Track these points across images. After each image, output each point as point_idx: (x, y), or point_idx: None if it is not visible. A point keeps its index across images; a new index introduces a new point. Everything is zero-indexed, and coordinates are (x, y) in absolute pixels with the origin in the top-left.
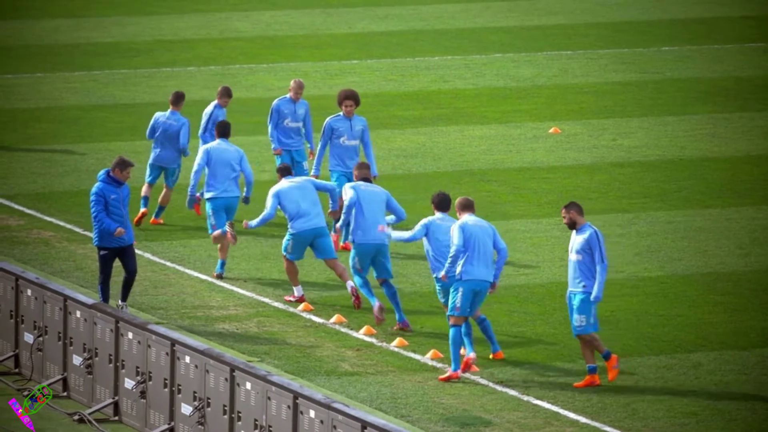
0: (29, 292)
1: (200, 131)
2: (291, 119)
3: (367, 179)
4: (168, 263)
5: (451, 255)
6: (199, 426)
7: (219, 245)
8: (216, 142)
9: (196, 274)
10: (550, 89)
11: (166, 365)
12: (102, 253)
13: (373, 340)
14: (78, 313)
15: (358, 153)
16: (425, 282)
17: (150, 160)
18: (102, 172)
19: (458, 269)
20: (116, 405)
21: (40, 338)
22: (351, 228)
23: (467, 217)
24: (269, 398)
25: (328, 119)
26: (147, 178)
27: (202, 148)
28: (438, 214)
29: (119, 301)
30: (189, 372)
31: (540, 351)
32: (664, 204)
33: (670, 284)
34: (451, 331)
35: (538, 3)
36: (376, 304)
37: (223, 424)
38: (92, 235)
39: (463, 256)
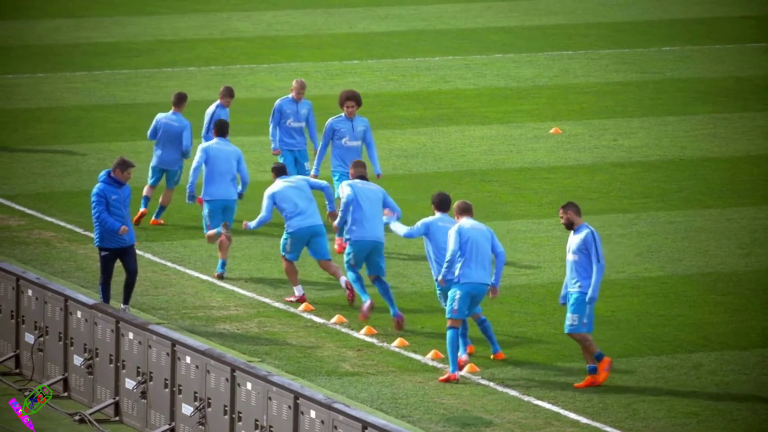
0: (30, 292)
1: (203, 131)
2: (293, 119)
3: (363, 177)
4: (169, 263)
5: (447, 260)
6: (200, 426)
7: (219, 245)
8: (214, 141)
9: (196, 274)
10: (551, 89)
11: (166, 365)
12: (103, 254)
13: (374, 341)
14: (79, 314)
15: (360, 154)
16: (425, 282)
17: (152, 162)
18: (103, 172)
19: (456, 272)
20: (117, 405)
21: (41, 338)
22: (347, 225)
23: (464, 221)
24: (270, 398)
25: (329, 120)
26: (149, 180)
27: (200, 147)
28: (438, 215)
29: (122, 304)
30: (190, 372)
31: (541, 351)
32: (665, 204)
33: (671, 284)
34: (449, 333)
35: (538, 3)
36: (367, 301)
37: (224, 424)
38: (93, 235)
39: (460, 259)
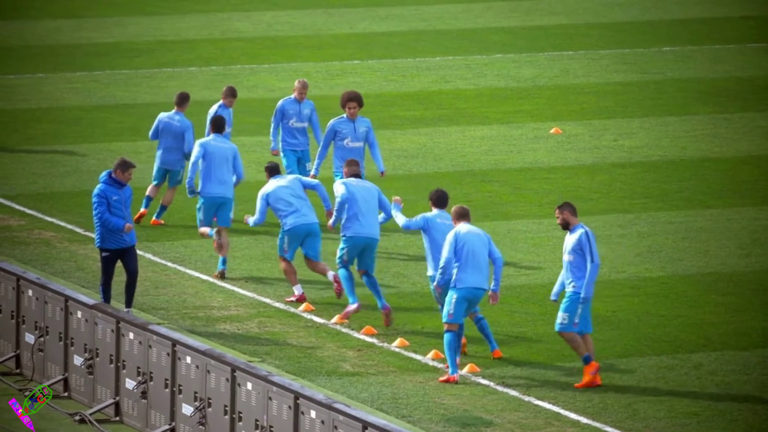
0: (30, 292)
1: (206, 132)
2: (296, 119)
3: (357, 175)
4: (169, 263)
5: (440, 266)
6: (200, 426)
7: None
8: (211, 137)
9: (197, 274)
10: (552, 89)
11: (167, 365)
12: (104, 254)
13: (374, 341)
14: (79, 314)
15: (363, 155)
16: (426, 282)
17: (156, 163)
18: (104, 173)
19: (453, 277)
20: (117, 405)
21: (41, 339)
22: (343, 222)
23: (461, 226)
24: (270, 398)
25: (331, 121)
26: (153, 180)
27: (197, 143)
28: (436, 211)
29: (124, 307)
30: (190, 372)
31: (541, 351)
32: (665, 204)
33: (671, 284)
34: (446, 337)
35: (539, 3)
36: (354, 305)
37: (224, 424)
38: (93, 235)
39: (456, 264)
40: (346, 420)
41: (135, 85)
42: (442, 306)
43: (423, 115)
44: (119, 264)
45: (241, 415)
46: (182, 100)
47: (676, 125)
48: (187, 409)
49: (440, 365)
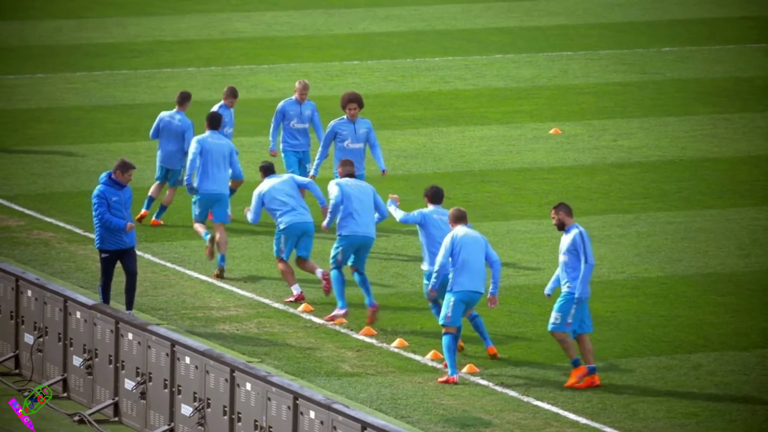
0: (29, 292)
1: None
2: (297, 120)
3: (351, 175)
4: (168, 264)
5: (435, 270)
6: (199, 427)
7: (216, 245)
8: (207, 134)
9: (196, 275)
10: (551, 90)
11: (166, 366)
12: (103, 255)
13: (373, 341)
14: (78, 314)
15: (364, 156)
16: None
17: (157, 161)
18: (104, 174)
19: (450, 280)
20: (116, 406)
21: (41, 339)
22: (338, 221)
23: (458, 229)
24: (269, 399)
25: (332, 123)
26: (156, 179)
27: (194, 139)
28: (432, 207)
29: (125, 309)
30: (189, 373)
31: (540, 351)
32: (665, 204)
33: (671, 285)
34: (445, 339)
35: (538, 4)
36: (342, 309)
37: (224, 424)
38: (92, 236)
39: (452, 268)
40: (345, 420)
41: (134, 85)
42: (433, 303)
43: (422, 115)
44: (119, 265)
45: (240, 415)
46: (183, 99)
47: (676, 125)
48: (186, 410)
49: (439, 365)
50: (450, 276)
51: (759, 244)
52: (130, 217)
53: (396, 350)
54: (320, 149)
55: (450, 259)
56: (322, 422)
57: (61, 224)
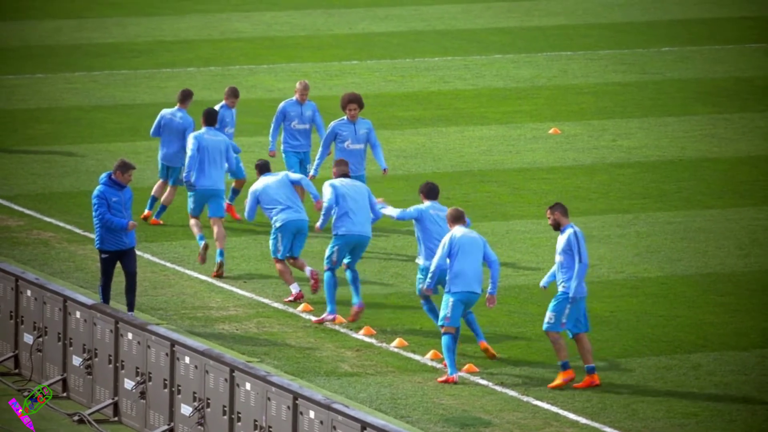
0: (29, 292)
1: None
2: (298, 121)
3: (345, 175)
4: (168, 264)
5: (431, 270)
6: (199, 427)
7: (214, 238)
8: (203, 130)
9: (195, 274)
10: (550, 90)
11: (165, 366)
12: (103, 256)
13: (373, 341)
14: (78, 314)
15: (364, 157)
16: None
17: (159, 158)
18: (104, 174)
19: (447, 280)
20: (116, 405)
21: (40, 339)
22: (333, 220)
23: (456, 229)
24: (269, 399)
25: (332, 123)
26: (159, 177)
27: (191, 135)
28: (427, 203)
29: (126, 311)
30: (189, 372)
31: (540, 351)
32: (664, 204)
33: (670, 285)
34: (444, 339)
35: (538, 4)
36: (331, 315)
37: (223, 424)
38: (92, 236)
39: (449, 269)
40: (345, 420)
41: (134, 85)
42: (425, 300)
43: (422, 115)
44: (119, 265)
45: (239, 415)
46: (185, 97)
47: (675, 125)
48: (185, 410)
49: (439, 365)
50: (447, 276)
51: (759, 244)
52: (130, 217)
53: (395, 350)
54: (320, 150)
55: (448, 260)
56: (321, 422)
57: (61, 224)
